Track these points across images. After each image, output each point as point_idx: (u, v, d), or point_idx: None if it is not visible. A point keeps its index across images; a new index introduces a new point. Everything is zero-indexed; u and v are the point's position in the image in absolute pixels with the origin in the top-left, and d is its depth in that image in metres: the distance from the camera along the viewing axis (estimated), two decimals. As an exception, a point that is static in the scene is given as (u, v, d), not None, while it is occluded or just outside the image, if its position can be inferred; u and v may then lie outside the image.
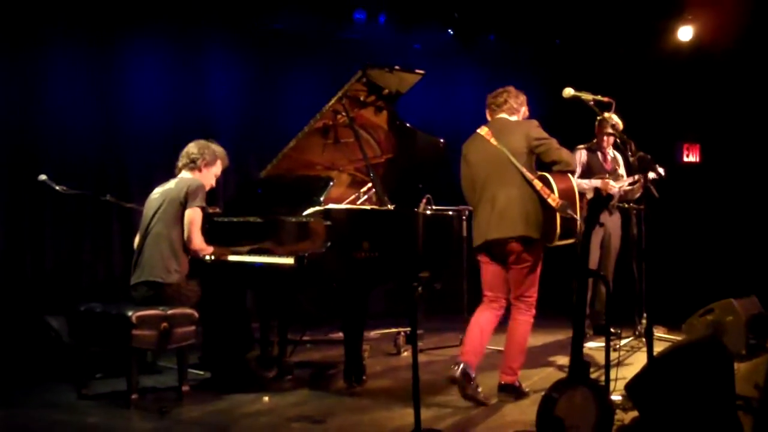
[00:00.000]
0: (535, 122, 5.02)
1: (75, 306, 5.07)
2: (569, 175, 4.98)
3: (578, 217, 4.82)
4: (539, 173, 4.93)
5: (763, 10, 7.68)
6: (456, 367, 4.78)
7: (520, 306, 4.97)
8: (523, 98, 5.17)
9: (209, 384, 5.40)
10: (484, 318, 4.99)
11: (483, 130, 5.05)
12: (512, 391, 4.90)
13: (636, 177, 6.41)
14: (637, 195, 6.58)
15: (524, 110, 5.18)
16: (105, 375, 5.44)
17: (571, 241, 4.92)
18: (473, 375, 4.79)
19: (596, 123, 6.87)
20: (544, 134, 4.96)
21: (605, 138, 6.80)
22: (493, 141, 4.95)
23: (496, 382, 4.96)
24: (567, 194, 4.86)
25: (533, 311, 4.98)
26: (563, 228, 4.82)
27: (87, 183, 6.62)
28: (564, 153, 4.93)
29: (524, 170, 4.84)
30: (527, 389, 4.98)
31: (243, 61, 8.07)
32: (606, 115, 5.94)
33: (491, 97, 5.18)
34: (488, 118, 5.18)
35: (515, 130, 4.99)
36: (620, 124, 6.30)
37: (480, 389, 4.83)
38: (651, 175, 5.70)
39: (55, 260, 6.88)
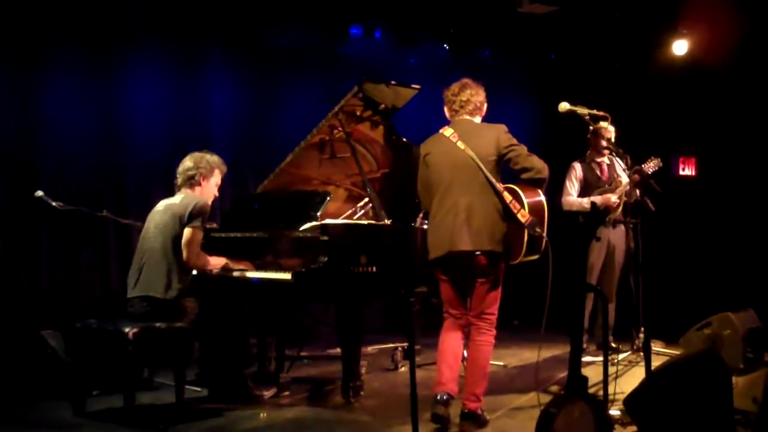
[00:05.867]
0: (504, 127, 4.71)
1: (71, 322, 5.06)
2: (538, 190, 4.69)
3: (545, 234, 4.59)
4: (506, 185, 4.64)
5: (758, 22, 7.72)
6: (440, 406, 4.49)
7: (480, 325, 4.67)
8: (483, 95, 4.84)
9: (206, 400, 5.39)
10: (455, 343, 4.71)
11: (447, 131, 4.71)
12: (476, 419, 4.62)
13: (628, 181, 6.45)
14: (634, 198, 6.54)
15: (485, 108, 4.86)
16: (102, 392, 5.43)
17: (535, 257, 4.68)
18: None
19: (589, 134, 6.85)
20: (514, 140, 4.66)
21: (602, 145, 6.78)
22: (459, 144, 4.60)
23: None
24: (536, 210, 4.60)
25: (494, 331, 4.70)
26: (529, 245, 4.57)
27: (84, 199, 6.60)
28: (536, 160, 4.61)
29: (493, 180, 4.53)
30: (488, 417, 4.73)
31: (240, 76, 8.07)
32: (602, 124, 5.97)
33: (451, 95, 4.81)
34: (449, 116, 4.86)
35: (484, 134, 4.66)
36: (612, 134, 6.32)
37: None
38: (649, 169, 5.73)
39: (51, 276, 6.85)
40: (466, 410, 4.64)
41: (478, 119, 4.84)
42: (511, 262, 4.71)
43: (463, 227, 4.52)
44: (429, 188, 4.77)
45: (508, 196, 4.54)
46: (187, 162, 5.38)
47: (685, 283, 8.06)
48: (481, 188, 4.55)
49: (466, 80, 4.85)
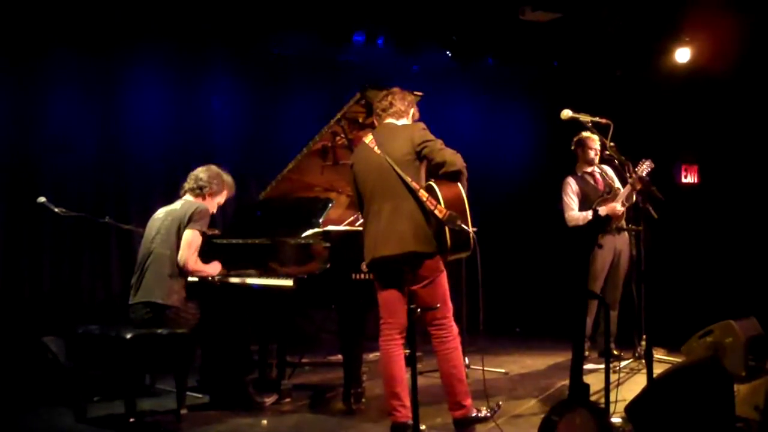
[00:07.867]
0: (420, 124, 4.64)
1: (73, 328, 5.07)
2: (458, 183, 4.52)
3: (469, 228, 4.43)
4: (427, 183, 4.55)
5: (760, 31, 7.72)
6: None
7: (439, 334, 4.57)
8: (410, 99, 4.79)
9: (208, 407, 5.38)
10: (396, 364, 4.58)
11: (368, 138, 4.66)
12: (470, 422, 4.57)
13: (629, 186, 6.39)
14: (634, 198, 6.45)
15: (413, 112, 4.79)
16: (103, 398, 5.42)
17: (465, 254, 4.57)
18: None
19: (575, 145, 6.81)
20: (429, 136, 4.54)
21: (593, 156, 6.75)
22: (376, 150, 4.54)
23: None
24: (455, 204, 4.43)
25: (454, 332, 4.59)
26: (454, 241, 4.41)
27: (86, 205, 6.62)
28: (447, 153, 4.47)
29: (408, 179, 4.43)
30: (484, 410, 4.70)
31: (242, 83, 8.10)
32: (585, 134, 5.96)
33: (376, 102, 4.79)
34: (375, 124, 4.85)
35: (400, 134, 4.59)
36: (597, 143, 6.33)
37: None
38: (643, 172, 5.72)
39: (53, 282, 6.87)
40: (458, 418, 4.58)
41: (403, 121, 4.74)
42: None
43: (386, 233, 4.47)
44: (359, 198, 4.73)
45: (424, 194, 4.42)
46: (203, 173, 5.41)
47: (687, 290, 8.04)
48: (401, 191, 4.47)
49: (394, 88, 4.81)
